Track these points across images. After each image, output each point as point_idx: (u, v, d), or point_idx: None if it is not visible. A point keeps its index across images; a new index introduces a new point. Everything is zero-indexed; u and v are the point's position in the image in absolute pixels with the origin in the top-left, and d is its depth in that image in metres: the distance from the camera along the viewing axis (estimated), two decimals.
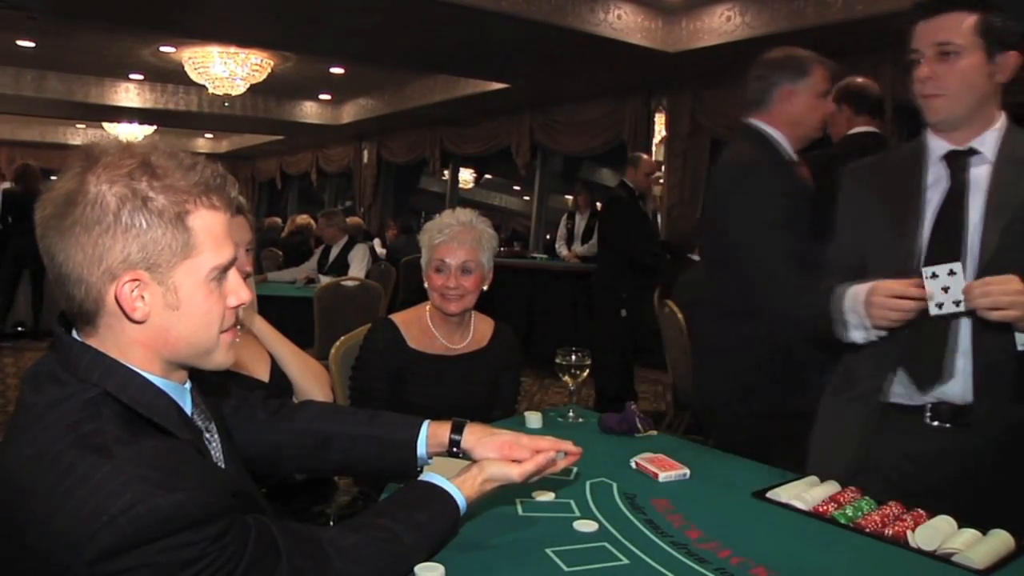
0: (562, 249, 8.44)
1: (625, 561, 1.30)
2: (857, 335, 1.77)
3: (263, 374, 2.11)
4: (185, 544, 0.95)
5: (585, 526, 1.43)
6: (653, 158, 8.77)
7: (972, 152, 1.74)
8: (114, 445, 0.96)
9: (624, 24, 6.85)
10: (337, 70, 9.89)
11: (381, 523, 1.23)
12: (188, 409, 1.14)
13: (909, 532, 1.38)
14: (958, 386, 1.71)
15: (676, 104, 8.53)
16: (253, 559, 1.02)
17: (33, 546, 0.94)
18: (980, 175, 1.73)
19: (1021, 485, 1.68)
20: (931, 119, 1.77)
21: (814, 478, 1.65)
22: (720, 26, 6.75)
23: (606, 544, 1.37)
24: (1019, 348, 1.61)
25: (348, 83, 10.70)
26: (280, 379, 2.13)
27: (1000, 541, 1.35)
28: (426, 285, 2.32)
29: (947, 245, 1.70)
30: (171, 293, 1.04)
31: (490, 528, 1.43)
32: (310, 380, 2.17)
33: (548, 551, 1.33)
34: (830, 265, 1.92)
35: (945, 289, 1.57)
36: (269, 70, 9.29)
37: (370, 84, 10.75)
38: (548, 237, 10.34)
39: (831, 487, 1.60)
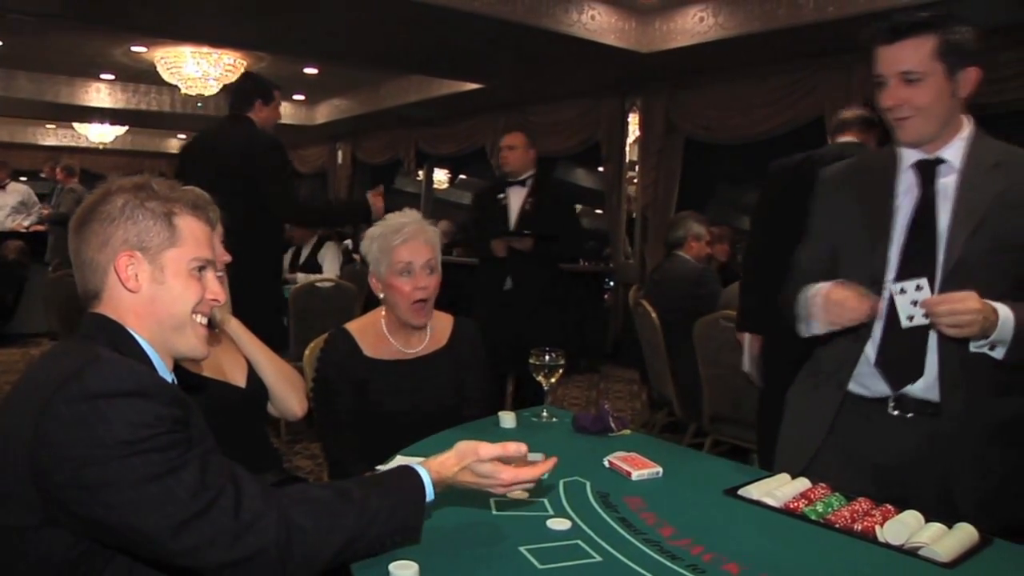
0: None
1: (598, 559, 1.31)
2: (811, 328, 1.83)
3: (240, 380, 2.10)
4: (146, 409, 1.16)
5: (558, 524, 1.44)
6: (628, 159, 8.83)
7: (940, 161, 1.79)
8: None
9: (598, 25, 6.88)
10: (311, 70, 9.83)
11: (339, 493, 1.29)
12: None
13: (878, 527, 1.41)
14: (921, 381, 1.75)
15: (650, 104, 8.56)
16: (207, 456, 1.20)
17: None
18: (949, 183, 1.77)
19: (988, 476, 1.72)
20: (903, 140, 1.81)
21: (785, 475, 1.67)
22: (693, 27, 6.79)
23: (579, 542, 1.38)
24: (972, 350, 1.66)
25: (322, 83, 10.64)
26: (256, 385, 2.12)
27: (965, 534, 1.38)
28: (382, 295, 2.28)
29: (921, 254, 1.75)
30: (159, 271, 1.35)
31: (464, 527, 1.43)
32: (285, 386, 2.16)
33: (522, 549, 1.33)
34: (803, 268, 1.96)
35: (914, 303, 1.63)
36: (242, 70, 9.22)
37: (344, 84, 10.70)
38: None
39: (802, 484, 1.62)
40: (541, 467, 1.42)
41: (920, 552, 1.33)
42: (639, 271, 8.29)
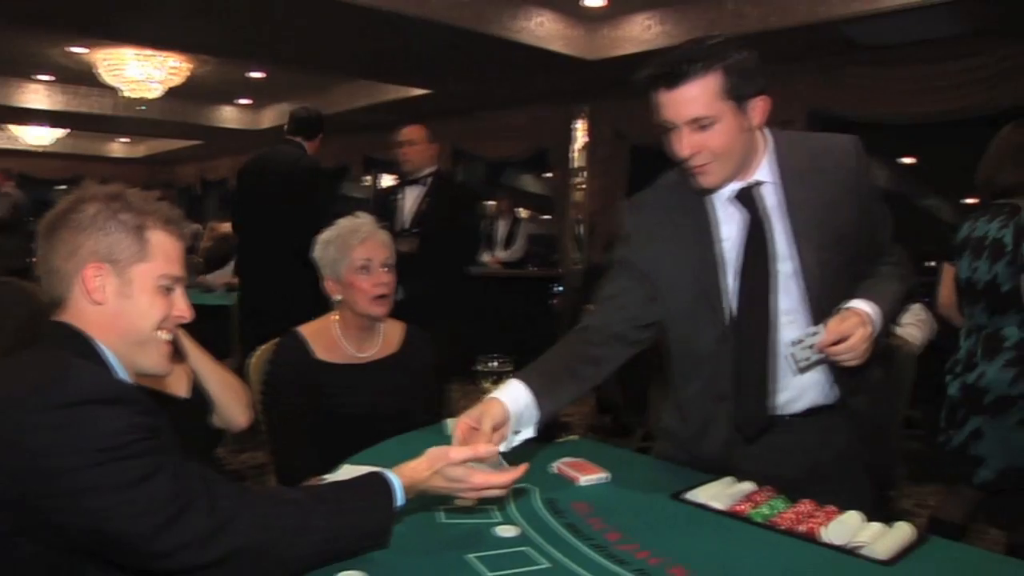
0: (484, 255, 8.45)
1: (546, 565, 1.31)
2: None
3: (182, 390, 2.06)
4: (123, 416, 1.17)
5: (506, 531, 1.44)
6: (575, 165, 8.89)
7: (758, 183, 1.73)
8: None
9: (546, 32, 6.91)
10: (257, 74, 9.72)
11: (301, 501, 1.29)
12: None
13: (821, 528, 1.43)
14: (785, 398, 1.79)
15: (597, 111, 8.64)
16: (179, 462, 1.20)
17: None
18: (773, 203, 1.73)
19: (865, 469, 1.83)
20: (706, 187, 1.71)
21: (731, 479, 1.69)
22: (640, 34, 6.87)
23: (527, 548, 1.37)
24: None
25: (269, 88, 10.51)
26: (200, 396, 2.08)
27: (903, 532, 1.41)
28: (338, 297, 2.31)
29: (756, 282, 1.73)
30: (126, 285, 1.34)
31: (411, 535, 1.42)
32: (230, 397, 2.11)
33: (469, 557, 1.32)
34: (609, 305, 1.86)
35: (810, 347, 1.61)
36: (188, 73, 9.07)
37: (291, 89, 10.57)
38: None
39: (747, 487, 1.64)
40: (512, 473, 1.43)
41: (861, 551, 1.36)
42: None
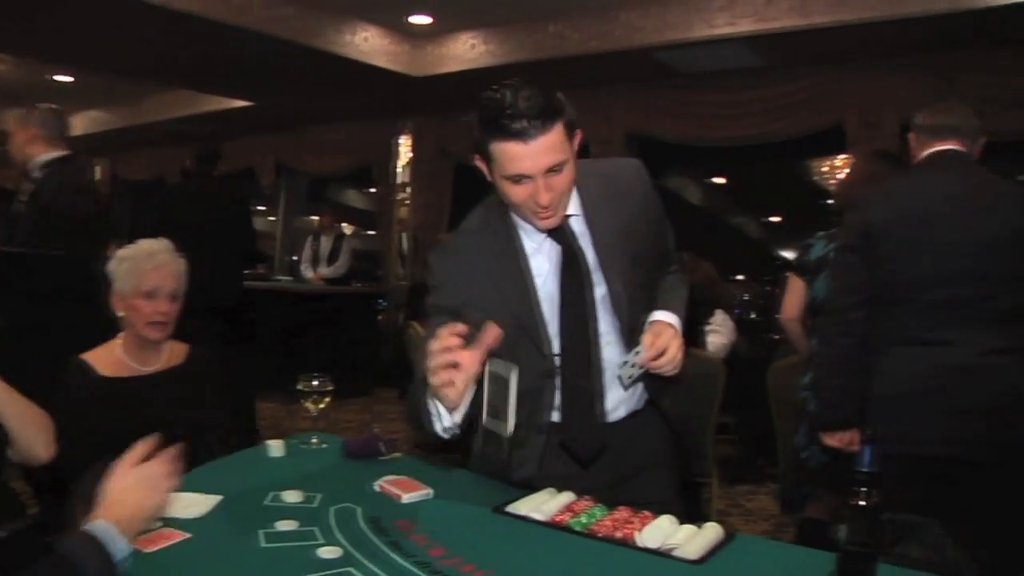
0: (307, 271, 8.26)
1: None
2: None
3: None
4: None
5: (329, 553, 1.40)
6: (399, 180, 8.87)
7: (568, 216, 1.75)
8: None
9: (371, 47, 6.87)
10: (63, 78, 9.04)
11: None
12: None
13: (637, 533, 1.48)
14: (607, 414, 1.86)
15: (422, 128, 8.67)
16: None
17: None
18: (581, 231, 1.77)
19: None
20: (552, 227, 1.71)
21: (551, 490, 1.72)
22: (465, 53, 6.95)
23: (351, 569, 1.34)
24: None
25: (78, 93, 9.79)
26: None
27: (713, 532, 1.49)
28: (121, 314, 2.34)
29: (577, 311, 1.76)
30: None
31: (231, 562, 1.36)
32: (30, 429, 1.93)
33: None
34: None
35: (633, 365, 1.69)
36: None
37: (103, 96, 9.93)
38: (295, 258, 10.11)
39: (567, 497, 1.68)
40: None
41: (674, 553, 1.42)
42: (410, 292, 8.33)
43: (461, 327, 1.49)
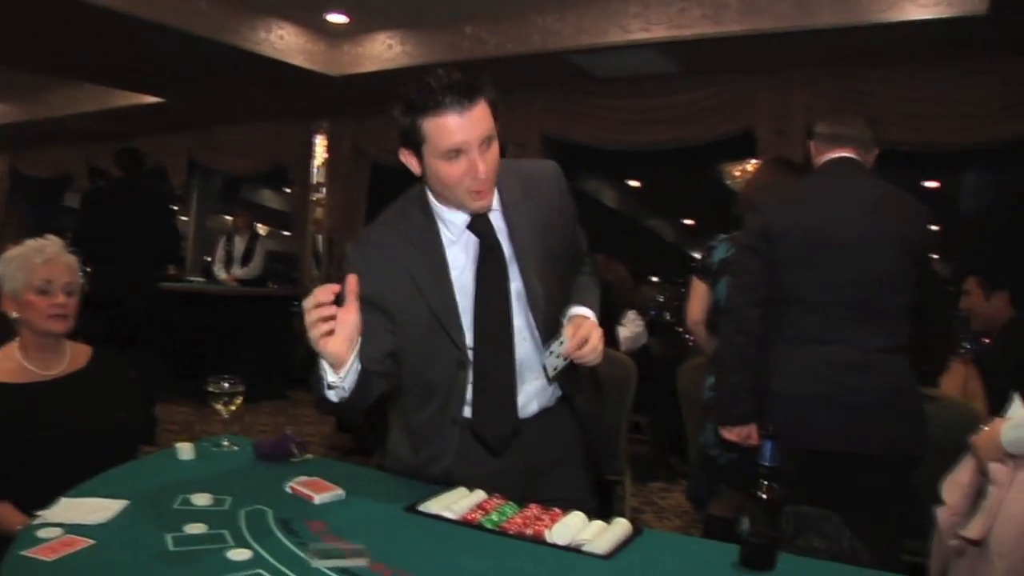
0: (220, 272, 8.09)
1: None
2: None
3: None
4: None
5: (239, 555, 1.39)
6: (315, 181, 8.76)
7: (487, 210, 1.79)
8: None
9: (286, 45, 6.77)
10: None
11: None
12: None
13: (547, 530, 1.51)
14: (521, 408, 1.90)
15: (337, 128, 8.58)
16: None
17: None
18: (500, 227, 1.81)
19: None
20: (483, 208, 1.75)
21: (463, 489, 1.73)
22: (381, 53, 6.91)
23: (261, 571, 1.33)
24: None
25: None
26: None
27: (621, 528, 1.53)
28: (15, 315, 2.25)
29: (495, 305, 1.80)
30: None
31: (136, 567, 1.33)
32: None
33: None
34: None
35: (557, 356, 1.73)
36: None
37: (1, 88, 9.53)
38: (208, 259, 9.88)
39: (478, 496, 1.69)
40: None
41: (583, 548, 1.45)
42: None
43: (335, 286, 1.55)
